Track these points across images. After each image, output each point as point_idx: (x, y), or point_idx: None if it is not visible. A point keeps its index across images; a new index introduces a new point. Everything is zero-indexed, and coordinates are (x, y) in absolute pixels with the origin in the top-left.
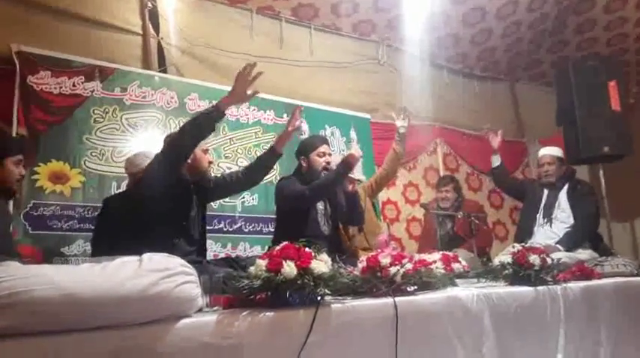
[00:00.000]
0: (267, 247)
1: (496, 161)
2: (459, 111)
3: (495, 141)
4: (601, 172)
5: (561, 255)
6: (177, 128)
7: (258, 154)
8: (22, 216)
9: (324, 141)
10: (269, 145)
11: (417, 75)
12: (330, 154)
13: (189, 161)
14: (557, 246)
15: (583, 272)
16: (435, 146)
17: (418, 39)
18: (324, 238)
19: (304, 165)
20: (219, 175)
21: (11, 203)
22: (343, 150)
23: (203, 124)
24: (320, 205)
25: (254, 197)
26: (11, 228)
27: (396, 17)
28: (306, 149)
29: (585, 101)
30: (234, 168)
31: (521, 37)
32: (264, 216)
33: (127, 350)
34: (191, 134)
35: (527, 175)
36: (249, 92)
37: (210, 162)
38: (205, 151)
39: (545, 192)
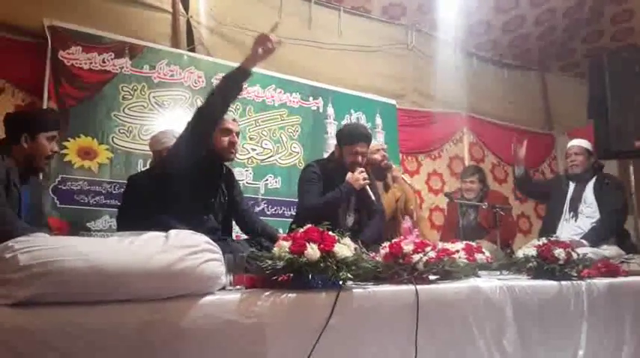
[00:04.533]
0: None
1: (519, 171)
2: (487, 100)
3: (521, 152)
4: (631, 168)
5: (587, 251)
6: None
7: None
8: (50, 190)
9: (364, 138)
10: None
11: (446, 61)
12: (364, 154)
13: (211, 145)
14: (582, 241)
15: (608, 268)
16: (462, 135)
17: (449, 24)
18: (346, 229)
19: (336, 153)
20: (250, 208)
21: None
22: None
23: (233, 84)
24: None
25: (277, 180)
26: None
27: (426, 1)
28: (342, 140)
29: (618, 93)
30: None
31: (555, 26)
32: (287, 199)
33: (151, 323)
34: (220, 97)
35: (553, 168)
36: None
37: (232, 143)
38: (226, 132)
39: (572, 186)
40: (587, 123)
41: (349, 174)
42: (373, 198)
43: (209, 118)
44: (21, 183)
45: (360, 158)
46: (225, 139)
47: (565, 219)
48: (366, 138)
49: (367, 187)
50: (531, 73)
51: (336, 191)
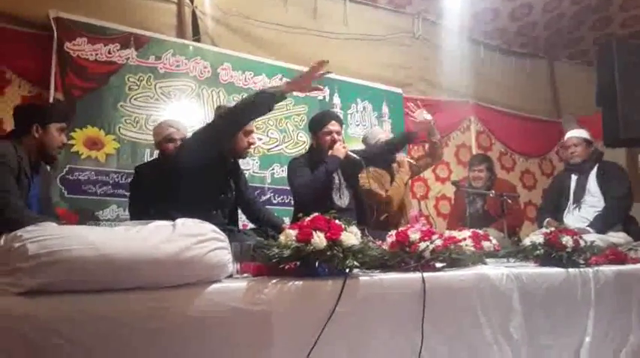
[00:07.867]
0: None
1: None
2: (494, 89)
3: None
4: (639, 156)
5: (594, 238)
6: (232, 102)
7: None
8: (58, 180)
9: (333, 117)
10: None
11: (453, 50)
12: (338, 132)
13: (228, 144)
14: (588, 228)
15: (616, 256)
16: (469, 123)
17: (455, 12)
18: (342, 211)
19: (314, 143)
20: (255, 197)
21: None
22: (375, 125)
23: (264, 102)
24: (334, 178)
25: (283, 169)
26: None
27: None
28: (313, 126)
29: (628, 81)
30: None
31: (563, 13)
32: None
33: (159, 311)
34: (249, 109)
35: (561, 156)
36: (313, 85)
37: (251, 144)
38: (249, 133)
39: (574, 177)
40: (595, 111)
41: (330, 151)
42: (358, 157)
43: (232, 126)
44: (32, 173)
45: (335, 136)
46: (246, 139)
47: (569, 210)
48: (336, 117)
49: (349, 153)
50: (539, 60)
51: (322, 166)
